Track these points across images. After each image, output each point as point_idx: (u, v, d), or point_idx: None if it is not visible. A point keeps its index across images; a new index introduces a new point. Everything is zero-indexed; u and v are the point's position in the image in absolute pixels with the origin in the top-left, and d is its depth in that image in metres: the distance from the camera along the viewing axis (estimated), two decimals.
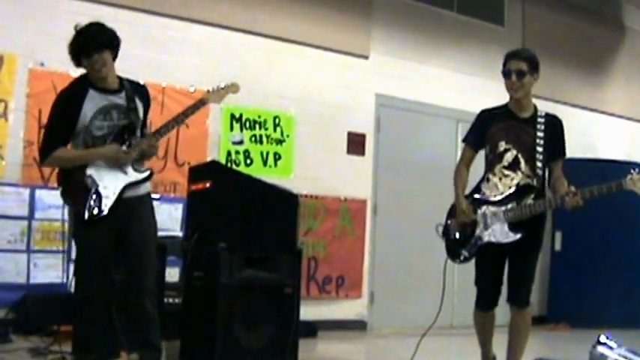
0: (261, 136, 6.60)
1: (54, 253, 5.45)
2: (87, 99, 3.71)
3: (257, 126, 6.59)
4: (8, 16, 5.50)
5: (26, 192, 5.45)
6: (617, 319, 7.36)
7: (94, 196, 3.68)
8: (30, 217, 5.46)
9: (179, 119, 3.92)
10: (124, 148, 3.77)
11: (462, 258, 4.13)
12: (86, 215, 3.66)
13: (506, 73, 4.08)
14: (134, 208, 3.81)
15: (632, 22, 9.45)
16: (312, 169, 6.83)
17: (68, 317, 4.44)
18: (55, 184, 5.42)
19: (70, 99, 3.74)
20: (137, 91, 3.91)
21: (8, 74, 5.46)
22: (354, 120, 7.15)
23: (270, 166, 6.63)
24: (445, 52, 7.79)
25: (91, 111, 3.71)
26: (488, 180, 4.10)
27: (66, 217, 4.71)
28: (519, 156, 4.02)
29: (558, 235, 8.26)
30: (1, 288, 5.28)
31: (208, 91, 4.17)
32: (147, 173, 3.87)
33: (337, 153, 7.04)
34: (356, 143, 7.13)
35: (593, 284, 7.96)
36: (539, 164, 3.99)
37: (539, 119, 4.09)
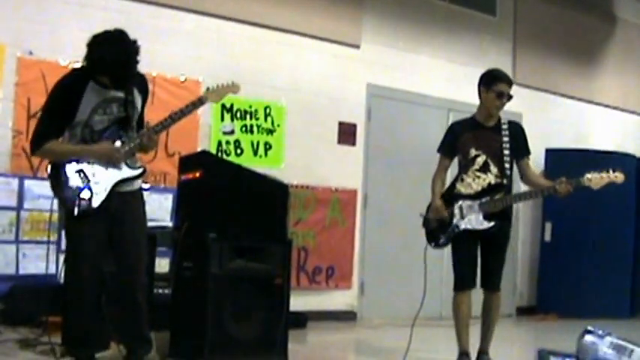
0: (251, 126, 6.57)
1: (43, 243, 5.41)
2: (87, 92, 3.64)
3: (248, 116, 6.56)
4: None
5: (15, 182, 5.40)
6: (606, 310, 7.42)
7: (84, 192, 3.64)
8: (19, 207, 5.41)
9: (176, 116, 3.87)
10: (119, 142, 3.72)
11: (440, 242, 4.62)
12: (76, 211, 3.63)
13: (499, 95, 4.54)
14: (128, 202, 3.79)
15: (623, 13, 9.44)
16: (303, 159, 6.80)
17: (57, 308, 4.44)
18: (45, 175, 5.47)
19: (68, 91, 3.66)
20: (137, 81, 3.83)
21: None
22: (345, 110, 7.13)
23: (260, 156, 6.60)
24: (437, 42, 7.77)
25: (91, 105, 3.65)
26: (462, 180, 4.61)
27: (55, 207, 4.70)
28: (488, 160, 4.55)
29: (548, 226, 8.29)
30: None
31: (208, 89, 4.11)
32: (140, 170, 3.84)
33: (328, 143, 7.02)
34: (347, 133, 7.12)
35: (583, 275, 7.99)
36: (506, 165, 4.52)
37: (503, 126, 4.60)
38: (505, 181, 4.50)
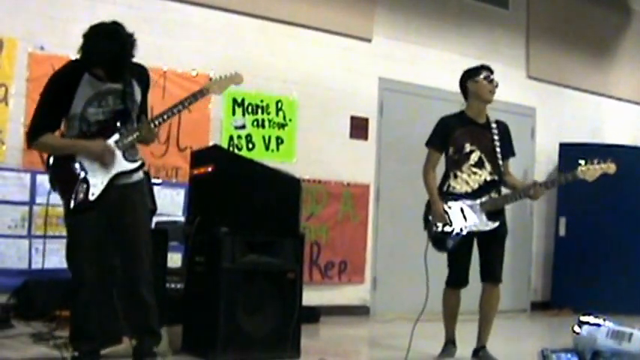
0: (263, 120, 6.55)
1: (55, 238, 5.41)
2: (81, 84, 3.56)
3: (259, 110, 6.54)
4: (7, 0, 5.44)
5: (27, 177, 5.41)
6: (621, 305, 7.32)
7: (82, 185, 3.57)
8: (31, 202, 5.41)
9: (177, 108, 3.78)
10: (117, 136, 3.64)
11: (449, 248, 4.56)
12: (72, 204, 3.57)
13: (489, 79, 4.59)
14: (126, 195, 3.69)
15: (638, 5, 9.34)
16: (315, 154, 6.78)
17: (70, 302, 4.45)
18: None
19: (63, 83, 3.59)
20: (135, 73, 3.74)
21: (8, 59, 5.41)
22: (357, 104, 7.10)
23: (272, 151, 6.58)
24: (449, 35, 7.71)
25: (85, 97, 3.57)
26: (456, 176, 4.58)
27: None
28: (483, 156, 4.55)
29: (562, 221, 8.22)
30: (2, 273, 5.27)
31: (210, 80, 4.03)
32: (138, 164, 3.74)
33: (340, 137, 6.99)
34: (359, 127, 7.09)
35: (597, 269, 7.91)
36: (500, 162, 4.56)
37: (493, 124, 4.63)
38: (497, 178, 4.56)
